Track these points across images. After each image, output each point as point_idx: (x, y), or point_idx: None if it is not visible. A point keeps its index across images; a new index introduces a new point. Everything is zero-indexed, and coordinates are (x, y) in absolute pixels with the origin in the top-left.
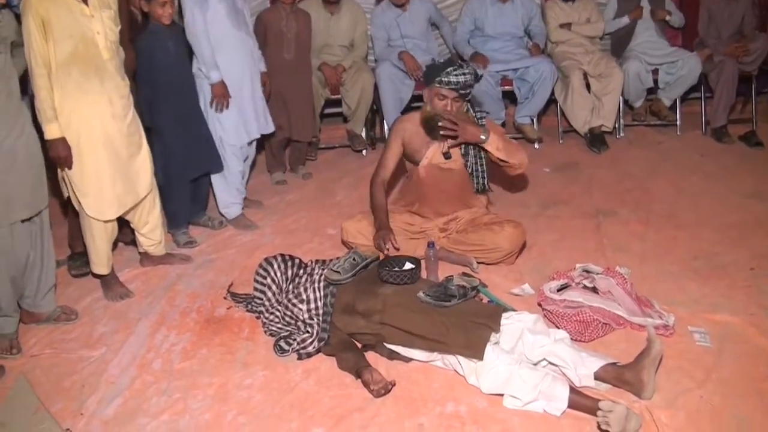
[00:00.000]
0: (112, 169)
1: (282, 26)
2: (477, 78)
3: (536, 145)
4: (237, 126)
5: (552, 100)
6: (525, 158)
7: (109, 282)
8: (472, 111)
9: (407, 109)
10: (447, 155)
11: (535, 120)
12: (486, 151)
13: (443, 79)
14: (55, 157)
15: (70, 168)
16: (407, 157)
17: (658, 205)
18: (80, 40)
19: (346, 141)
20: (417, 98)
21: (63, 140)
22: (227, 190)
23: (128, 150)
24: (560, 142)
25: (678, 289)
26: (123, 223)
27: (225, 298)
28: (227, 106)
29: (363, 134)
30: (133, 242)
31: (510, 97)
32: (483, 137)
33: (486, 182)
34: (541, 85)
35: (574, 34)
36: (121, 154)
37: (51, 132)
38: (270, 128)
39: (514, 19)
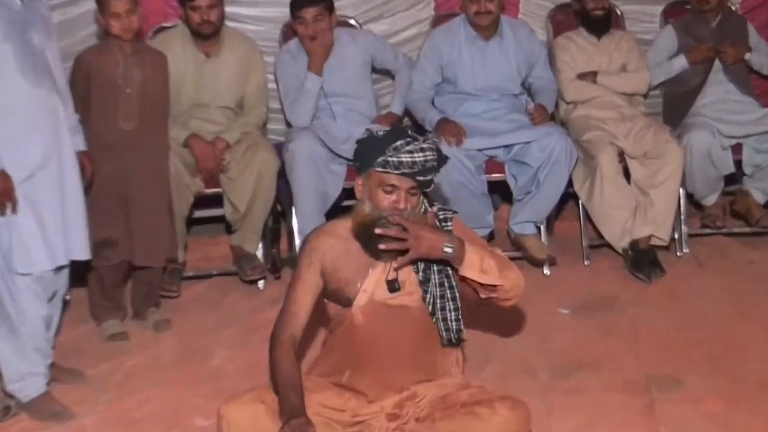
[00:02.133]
0: None
1: (117, 76)
2: (442, 159)
3: (546, 270)
4: (33, 243)
5: (569, 195)
6: (520, 279)
7: None
8: (429, 209)
9: (334, 212)
10: (394, 285)
11: (543, 228)
12: (456, 271)
13: (391, 159)
14: None
15: None
16: (331, 295)
17: (750, 368)
18: None
19: (230, 266)
20: (351, 194)
21: None
22: (19, 353)
23: None
24: (585, 263)
25: None
26: None
27: None
28: (14, 210)
29: (259, 254)
30: None
31: (502, 191)
32: (448, 249)
33: (461, 327)
34: (550, 172)
35: (603, 90)
36: None
37: None
38: (85, 253)
39: (504, 66)
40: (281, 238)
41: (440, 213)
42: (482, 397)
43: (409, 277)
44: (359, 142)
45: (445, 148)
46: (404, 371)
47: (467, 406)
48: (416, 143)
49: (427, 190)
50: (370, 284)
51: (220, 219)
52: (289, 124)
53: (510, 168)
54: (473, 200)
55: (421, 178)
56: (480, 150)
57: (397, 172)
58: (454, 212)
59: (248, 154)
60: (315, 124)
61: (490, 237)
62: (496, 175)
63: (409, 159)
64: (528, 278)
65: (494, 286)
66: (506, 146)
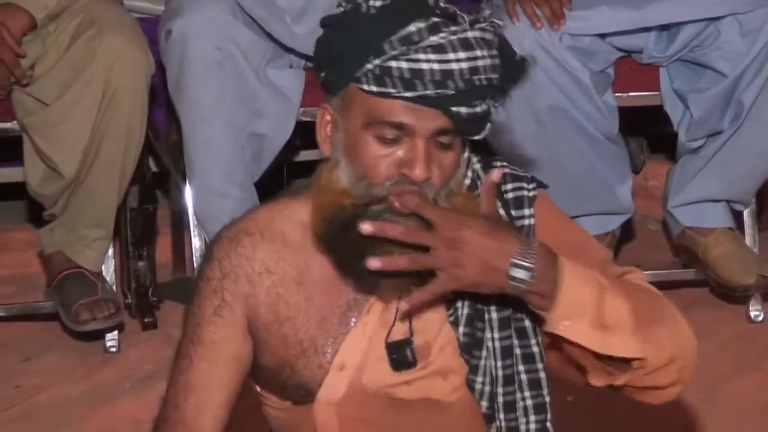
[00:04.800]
0: None
1: None
2: (515, 64)
3: (756, 312)
4: None
5: None
6: (685, 339)
7: None
8: (480, 175)
9: (279, 182)
10: (405, 354)
11: (748, 216)
12: (538, 322)
13: (394, 63)
14: None
15: None
16: (270, 377)
17: None
18: None
19: (41, 299)
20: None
21: None
22: None
23: None
24: None
25: None
26: None
27: None
28: None
29: (109, 274)
30: None
31: (650, 133)
32: (521, 272)
33: None
34: None
35: None
36: None
37: None
38: None
39: None
40: (158, 239)
41: (510, 186)
42: None
43: (438, 336)
44: (327, 22)
45: (525, 33)
46: None
47: None
48: (451, 26)
49: (477, 137)
50: (354, 352)
51: (19, 192)
52: None
53: (673, 79)
54: (587, 151)
55: (463, 109)
56: (604, 38)
57: (409, 94)
58: (540, 184)
59: (81, 44)
60: None
61: (624, 235)
62: (637, 94)
63: (438, 65)
64: (712, 330)
65: (628, 360)
66: (664, 28)
